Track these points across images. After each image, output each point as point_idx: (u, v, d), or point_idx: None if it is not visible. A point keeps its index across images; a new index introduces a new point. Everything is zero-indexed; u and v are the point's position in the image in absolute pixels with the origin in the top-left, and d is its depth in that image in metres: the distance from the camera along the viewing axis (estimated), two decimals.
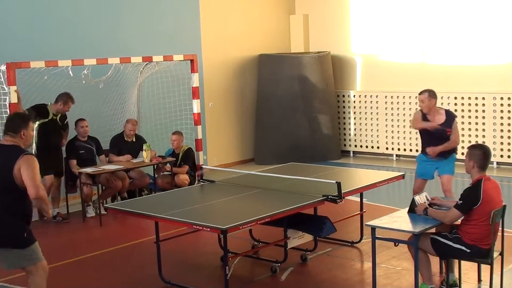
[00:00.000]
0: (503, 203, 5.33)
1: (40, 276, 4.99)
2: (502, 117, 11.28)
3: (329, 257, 6.87)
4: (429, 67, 12.16)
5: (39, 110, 8.67)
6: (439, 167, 7.46)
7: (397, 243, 5.54)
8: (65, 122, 9.10)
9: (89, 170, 8.79)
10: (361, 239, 7.20)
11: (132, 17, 10.96)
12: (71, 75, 8.88)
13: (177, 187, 9.09)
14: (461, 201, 5.23)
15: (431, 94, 7.41)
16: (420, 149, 7.83)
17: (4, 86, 8.28)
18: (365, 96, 12.99)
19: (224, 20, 12.49)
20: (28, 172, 4.77)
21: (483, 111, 11.44)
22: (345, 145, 13.38)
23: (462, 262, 5.60)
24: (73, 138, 9.21)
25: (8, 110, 8.24)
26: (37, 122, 8.56)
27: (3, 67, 8.22)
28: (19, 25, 9.47)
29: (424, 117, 7.48)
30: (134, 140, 9.69)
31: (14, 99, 8.16)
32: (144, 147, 9.36)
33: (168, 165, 9.60)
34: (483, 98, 11.44)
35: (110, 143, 9.66)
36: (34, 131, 8.60)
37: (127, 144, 9.64)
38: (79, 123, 9.15)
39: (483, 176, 5.26)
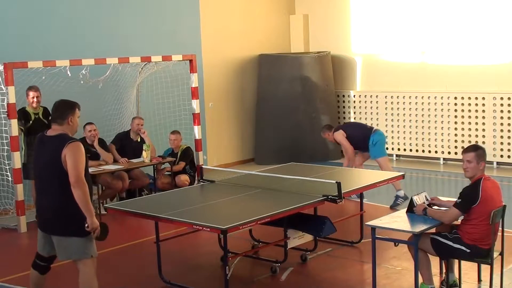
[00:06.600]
0: (503, 203, 5.32)
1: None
2: (502, 117, 11.26)
3: (329, 257, 6.86)
4: (429, 67, 12.16)
5: (22, 116, 8.51)
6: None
7: (397, 243, 5.53)
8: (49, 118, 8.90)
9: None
10: (361, 239, 7.18)
11: (131, 16, 10.95)
12: (69, 75, 8.85)
13: (177, 187, 9.08)
14: (459, 200, 5.23)
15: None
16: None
17: (2, 86, 8.27)
18: (365, 96, 12.98)
19: (224, 20, 12.48)
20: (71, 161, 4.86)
21: (483, 111, 11.43)
22: None
23: (462, 262, 5.59)
24: (82, 138, 8.94)
25: (6, 110, 8.23)
26: (23, 128, 8.48)
27: (1, 67, 8.20)
28: (17, 24, 9.45)
29: None
30: (139, 140, 9.67)
31: (12, 99, 8.15)
32: (144, 147, 9.34)
33: (168, 165, 9.58)
34: (483, 98, 11.43)
35: (115, 137, 9.65)
36: (23, 142, 8.57)
37: (132, 143, 9.61)
38: (87, 127, 8.96)
39: (482, 176, 5.26)
